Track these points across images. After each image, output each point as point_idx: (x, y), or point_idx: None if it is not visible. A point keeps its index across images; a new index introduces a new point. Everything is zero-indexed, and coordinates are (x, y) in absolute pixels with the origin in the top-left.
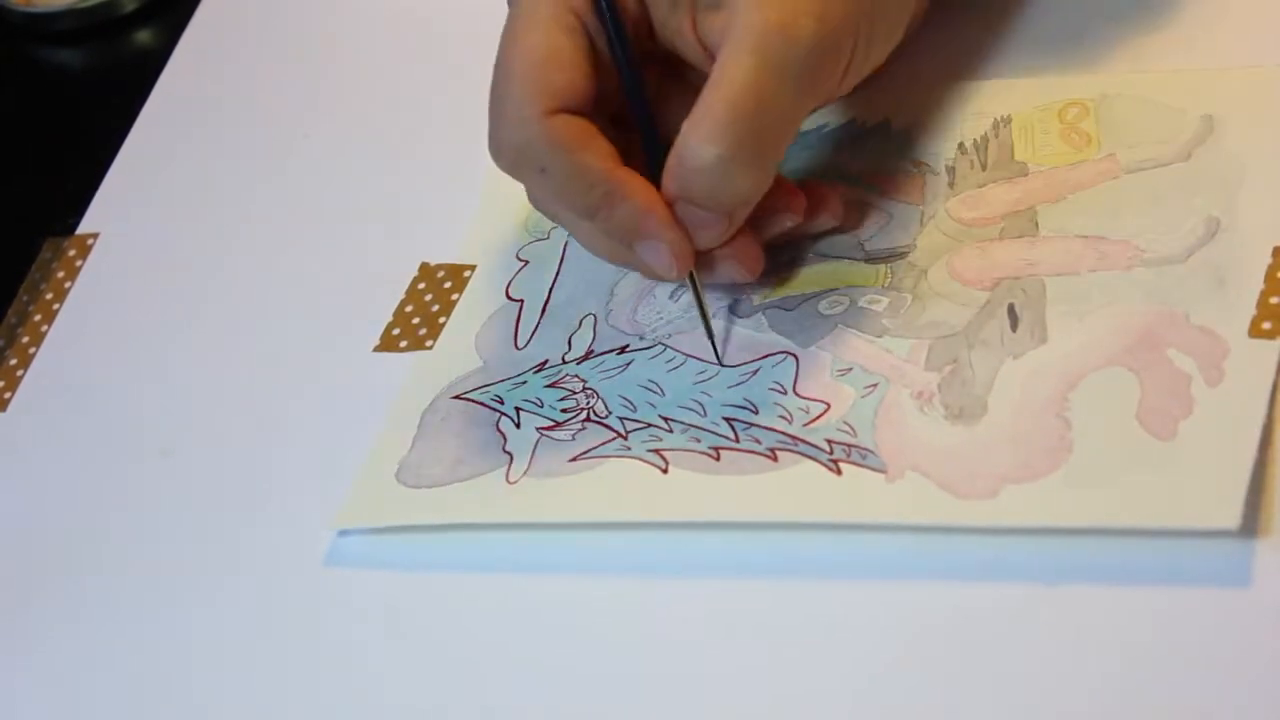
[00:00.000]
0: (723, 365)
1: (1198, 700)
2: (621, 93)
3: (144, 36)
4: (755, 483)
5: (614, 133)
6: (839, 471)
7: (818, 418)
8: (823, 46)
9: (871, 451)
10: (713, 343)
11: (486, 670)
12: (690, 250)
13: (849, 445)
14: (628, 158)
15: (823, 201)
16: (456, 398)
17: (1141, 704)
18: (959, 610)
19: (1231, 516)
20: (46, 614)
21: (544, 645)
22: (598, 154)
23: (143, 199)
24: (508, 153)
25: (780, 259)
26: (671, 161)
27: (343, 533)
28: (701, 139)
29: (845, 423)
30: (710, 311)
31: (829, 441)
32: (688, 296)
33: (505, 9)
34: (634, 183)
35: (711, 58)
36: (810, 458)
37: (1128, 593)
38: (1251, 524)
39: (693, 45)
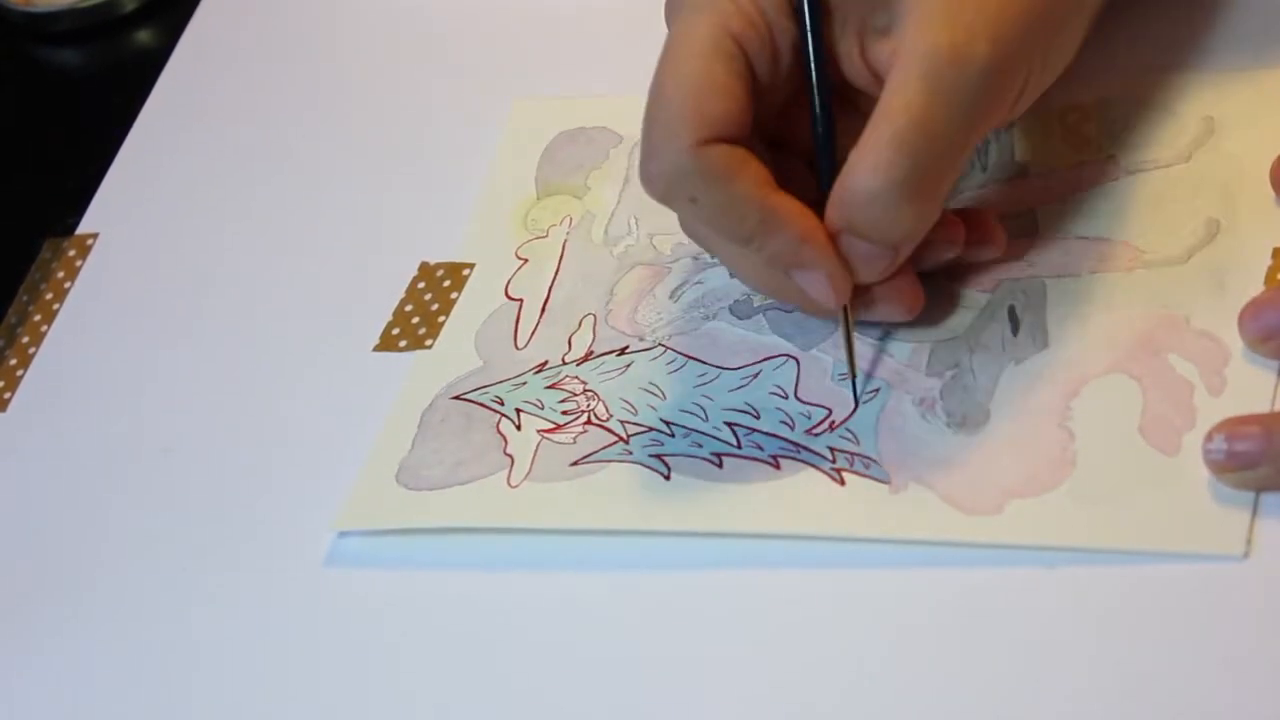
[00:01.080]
0: (723, 369)
1: (1198, 675)
2: (780, 116)
3: (144, 36)
4: (759, 492)
5: (770, 156)
6: (842, 482)
7: (819, 424)
8: (996, 71)
9: (875, 461)
10: (854, 384)
11: (487, 669)
12: (849, 279)
13: (852, 454)
14: (784, 182)
15: (985, 231)
16: (456, 398)
17: (1144, 680)
18: (961, 594)
19: (1237, 543)
20: (46, 614)
21: (545, 644)
22: (752, 182)
23: (143, 199)
24: (658, 182)
25: None
26: (836, 193)
27: (343, 532)
28: (868, 171)
29: (848, 429)
30: (857, 353)
31: (831, 449)
32: (689, 296)
33: (505, 7)
34: (790, 209)
35: (881, 84)
36: (813, 466)
37: (1127, 571)
38: (1250, 498)
39: (862, 72)
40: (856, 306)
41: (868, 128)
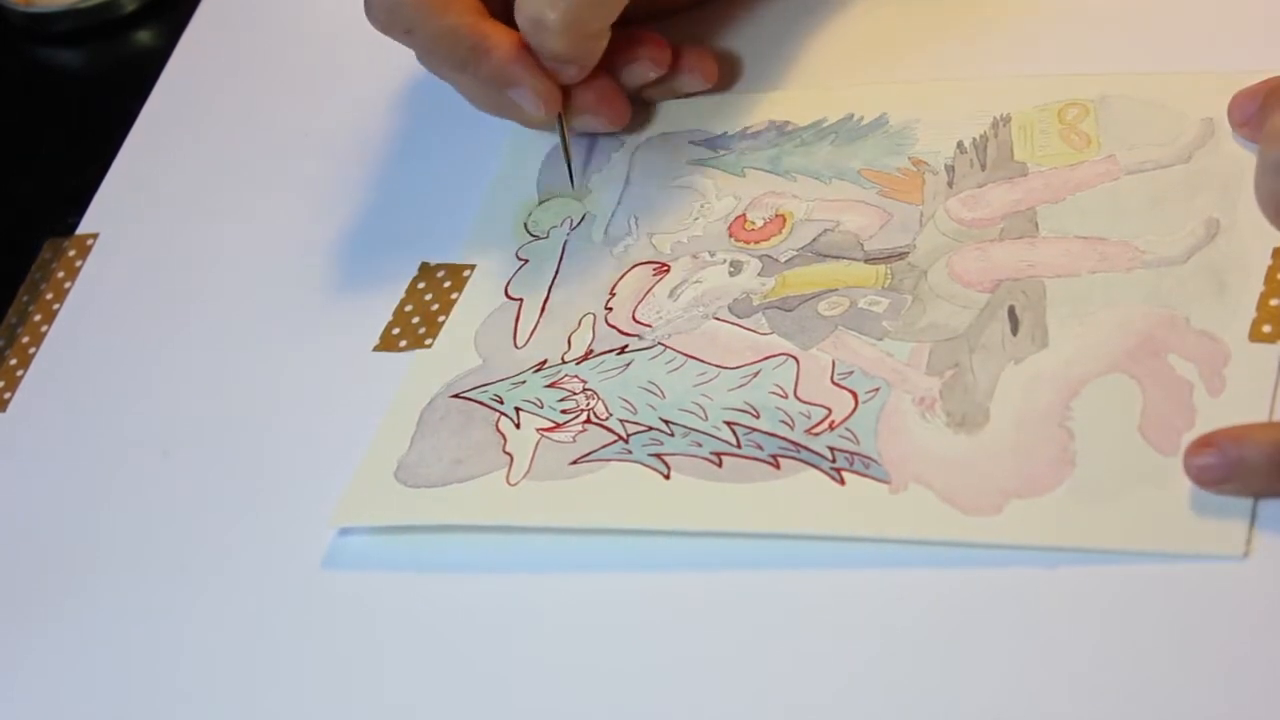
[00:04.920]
0: (723, 368)
1: (1198, 675)
2: None
3: (144, 36)
4: (758, 492)
5: None
6: (842, 481)
7: (819, 423)
8: None
9: (874, 460)
10: (570, 172)
11: (486, 669)
12: (555, 93)
13: (851, 453)
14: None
15: (697, 62)
16: (455, 396)
17: (1143, 681)
18: (961, 594)
19: (1236, 544)
20: (45, 614)
21: (544, 645)
22: (461, 11)
23: (143, 199)
24: (379, 14)
25: (779, 259)
26: (516, 17)
27: (342, 533)
28: (527, 1)
29: (848, 429)
30: (571, 146)
31: (831, 449)
32: (688, 295)
33: None
34: (497, 35)
35: None
36: (813, 465)
37: (1127, 571)
38: (1248, 500)
39: None
40: (569, 119)
41: None
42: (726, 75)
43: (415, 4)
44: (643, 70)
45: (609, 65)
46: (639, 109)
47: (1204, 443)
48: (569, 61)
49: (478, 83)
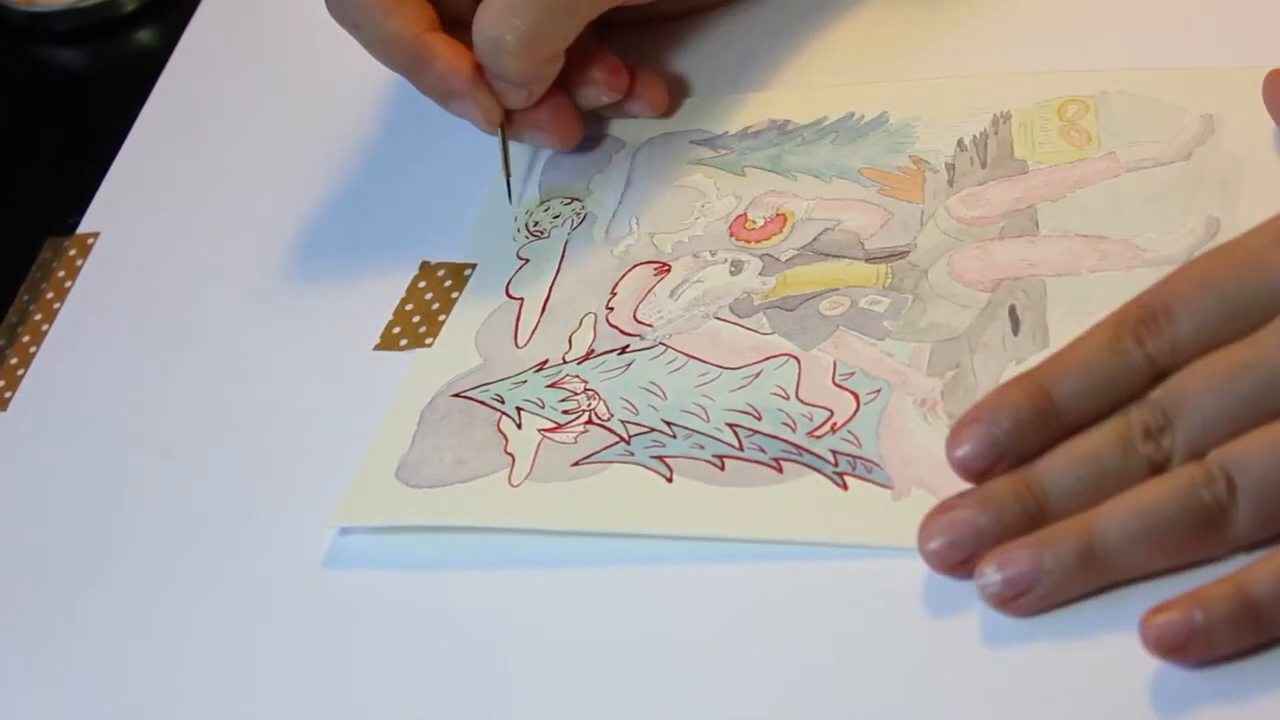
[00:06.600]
0: (724, 369)
1: (1197, 674)
2: None
3: (144, 36)
4: (761, 496)
5: None
6: (845, 486)
7: (821, 426)
8: None
9: (877, 465)
10: (509, 184)
11: (487, 670)
12: (496, 109)
13: (854, 457)
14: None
15: (648, 90)
16: (456, 396)
17: (1144, 680)
18: (961, 594)
19: None
20: (45, 614)
21: (544, 646)
22: (407, 19)
23: (143, 199)
24: (332, 8)
25: (780, 258)
26: (473, 36)
27: (343, 532)
28: (488, 21)
29: (850, 432)
30: (510, 159)
31: (834, 453)
32: (689, 295)
33: None
34: (440, 46)
35: None
36: (815, 469)
37: None
38: None
39: None
40: (518, 130)
41: None
42: (727, 75)
43: (360, 4)
44: (596, 94)
45: (563, 81)
46: None
47: (1004, 550)
48: (521, 85)
49: (422, 87)
